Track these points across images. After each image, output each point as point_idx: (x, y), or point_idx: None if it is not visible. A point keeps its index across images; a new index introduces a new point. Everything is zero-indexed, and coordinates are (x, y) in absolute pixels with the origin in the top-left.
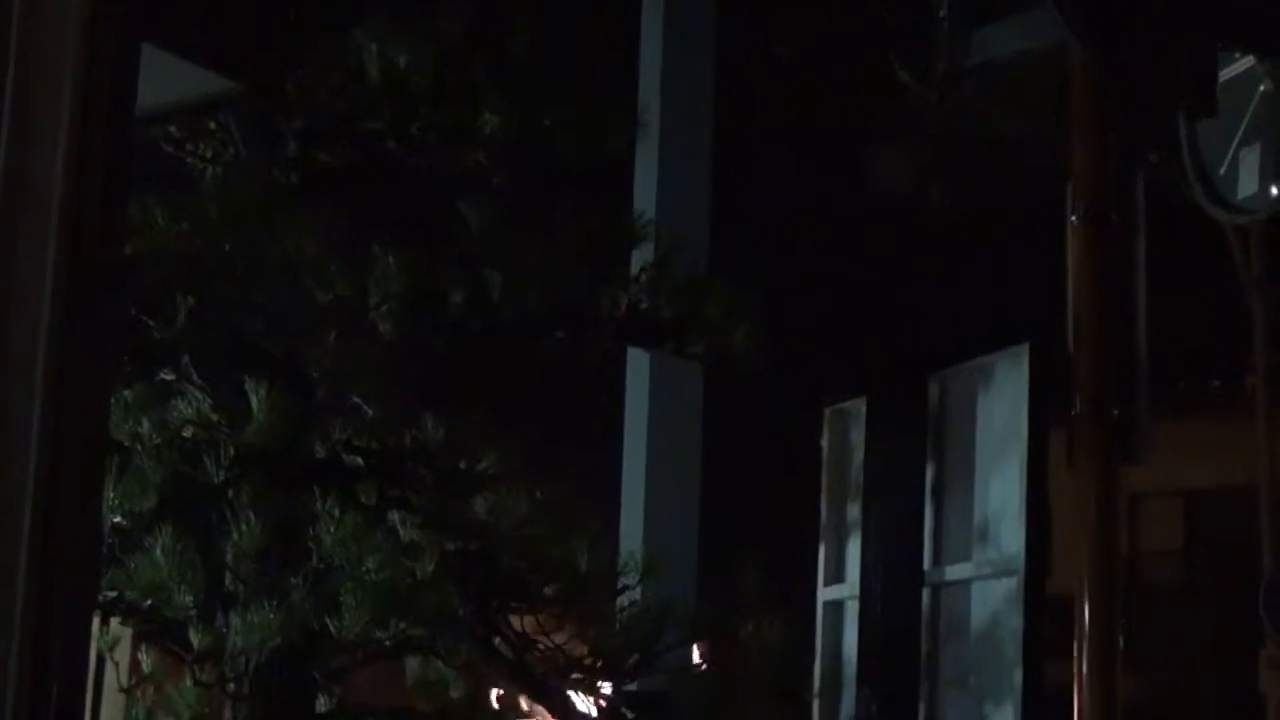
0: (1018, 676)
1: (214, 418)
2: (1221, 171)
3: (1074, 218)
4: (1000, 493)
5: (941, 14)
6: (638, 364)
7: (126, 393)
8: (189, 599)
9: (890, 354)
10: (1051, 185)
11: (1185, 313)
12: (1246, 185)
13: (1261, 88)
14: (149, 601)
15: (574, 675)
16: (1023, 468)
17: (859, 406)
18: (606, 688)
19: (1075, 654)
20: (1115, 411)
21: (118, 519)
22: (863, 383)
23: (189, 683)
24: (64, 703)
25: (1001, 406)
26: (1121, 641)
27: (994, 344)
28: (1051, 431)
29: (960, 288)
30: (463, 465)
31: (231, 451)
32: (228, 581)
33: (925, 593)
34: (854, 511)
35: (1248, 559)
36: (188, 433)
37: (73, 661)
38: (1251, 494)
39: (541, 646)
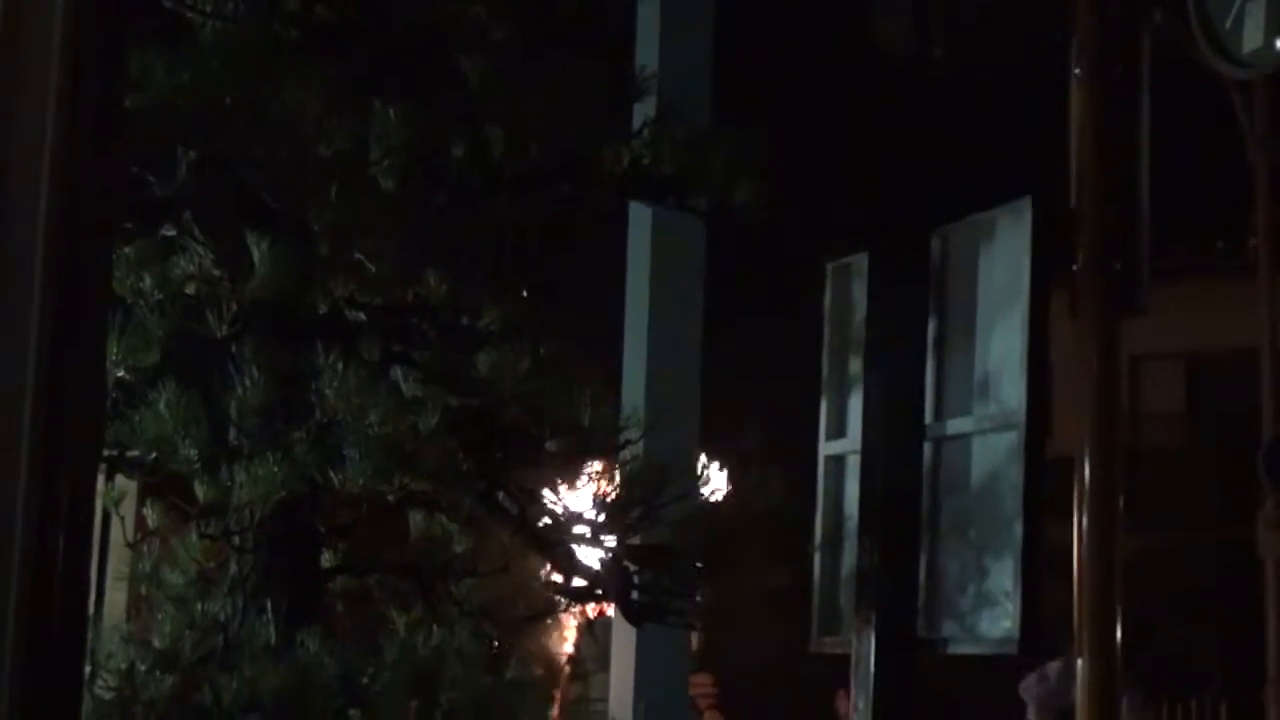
0: (1018, 530)
1: (216, 273)
2: (1227, 25)
3: (1078, 72)
4: (1001, 348)
5: None
6: (640, 219)
7: (128, 249)
8: (193, 453)
9: (892, 209)
10: (1056, 39)
11: (1188, 174)
12: (1252, 39)
13: None
14: (154, 455)
15: (577, 529)
16: (1024, 322)
17: (861, 262)
18: (609, 541)
19: (1076, 513)
20: (1117, 265)
21: (121, 374)
22: (865, 238)
23: (194, 536)
24: (70, 556)
25: (1004, 261)
26: (1121, 502)
27: (997, 199)
28: (1054, 288)
29: (963, 143)
30: (465, 321)
31: (234, 306)
32: (232, 435)
33: (926, 447)
34: (855, 366)
35: (1249, 421)
36: (190, 288)
37: (79, 515)
38: (1254, 356)
39: (545, 500)
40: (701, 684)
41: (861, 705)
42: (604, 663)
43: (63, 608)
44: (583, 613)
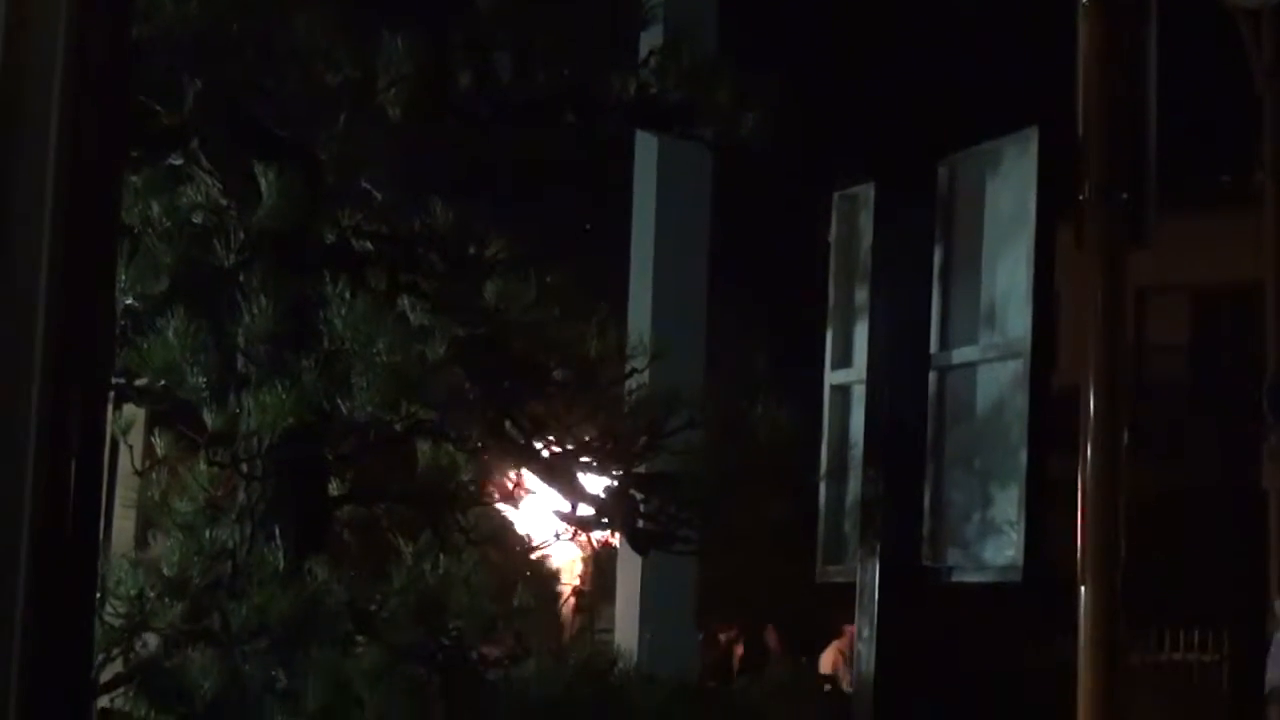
0: (1022, 459)
1: (223, 202)
2: None
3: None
4: (1007, 277)
5: None
6: (646, 149)
7: (136, 177)
8: (201, 380)
9: (899, 139)
10: None
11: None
12: None
13: None
14: (162, 383)
15: (583, 458)
16: (1030, 252)
17: (867, 192)
18: (616, 470)
19: (1081, 446)
20: (1124, 196)
21: (130, 301)
22: (871, 168)
23: (202, 465)
24: (82, 484)
25: (1010, 191)
26: (1126, 435)
27: (1003, 128)
28: (1060, 219)
29: (970, 72)
30: (472, 251)
31: (241, 235)
32: (240, 363)
33: (932, 376)
34: (861, 296)
35: (1254, 354)
36: (198, 217)
37: (90, 443)
38: (1261, 289)
39: (552, 429)
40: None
41: (866, 633)
42: (609, 593)
43: (74, 535)
44: (588, 542)
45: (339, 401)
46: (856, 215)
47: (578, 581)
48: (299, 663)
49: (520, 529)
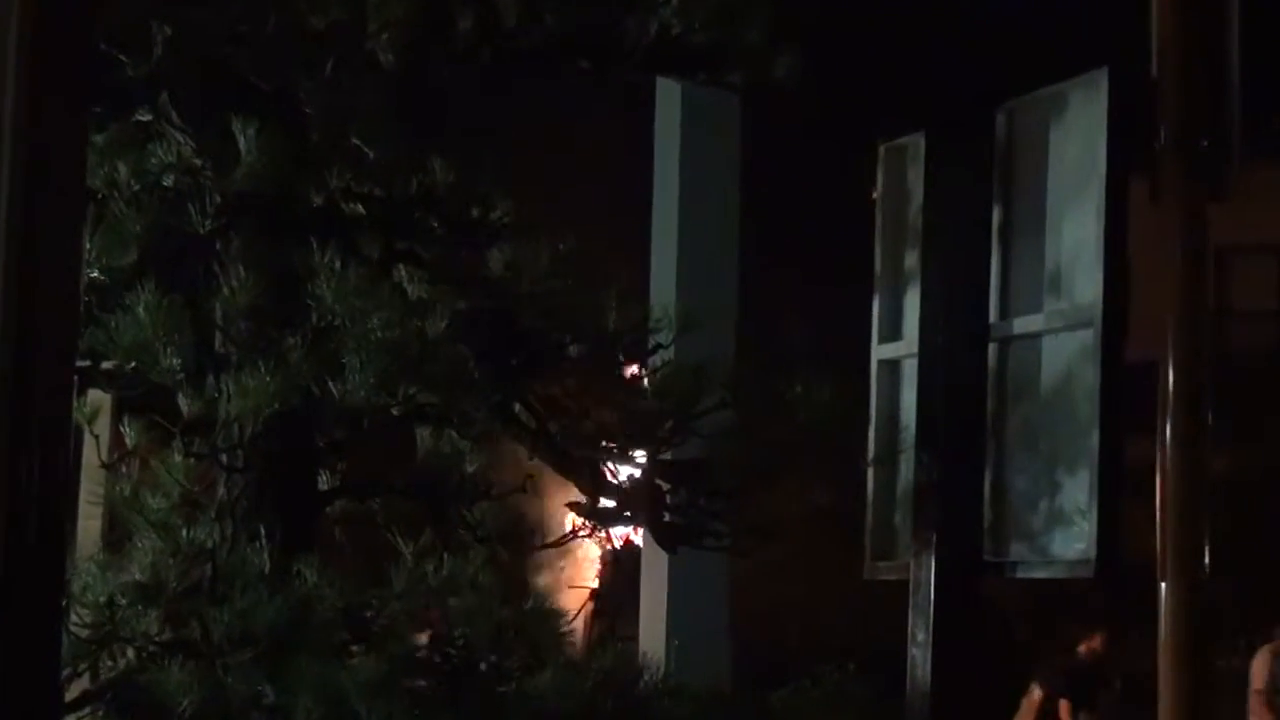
0: (1094, 439)
1: (198, 162)
2: None
3: None
4: (1075, 237)
5: None
6: (668, 98)
7: (99, 136)
8: (176, 362)
9: (952, 83)
10: None
11: None
12: None
13: None
14: (132, 365)
15: (604, 444)
16: (1100, 208)
17: (917, 143)
18: (639, 457)
19: (1158, 424)
20: (1204, 143)
21: (95, 274)
22: (921, 116)
23: (177, 456)
24: (45, 480)
25: (1077, 140)
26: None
27: (1069, 70)
28: (1133, 170)
29: (1032, 6)
30: (475, 214)
31: (218, 199)
32: (218, 342)
33: (991, 348)
34: (911, 260)
35: None
36: (169, 179)
37: (53, 434)
38: None
39: (567, 412)
40: None
41: (921, 636)
42: (633, 596)
43: (37, 537)
44: (609, 539)
45: (329, 384)
46: (905, 169)
47: (597, 583)
48: (288, 676)
49: (533, 524)
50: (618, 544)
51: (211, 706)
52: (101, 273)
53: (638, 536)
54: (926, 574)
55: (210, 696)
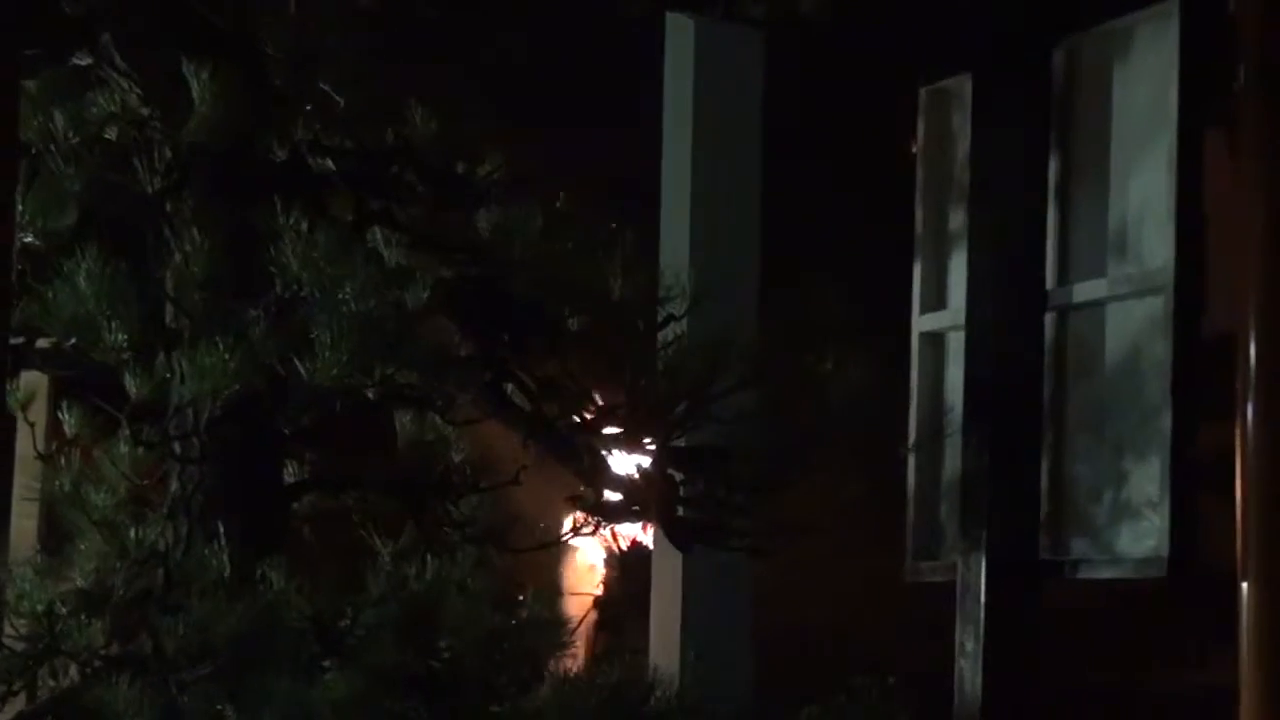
0: (1166, 422)
1: (145, 111)
2: None
3: None
4: (1143, 192)
5: None
6: (679, 35)
7: (32, 82)
8: (122, 338)
9: (1002, 17)
10: None
11: None
12: None
13: None
14: (71, 342)
15: (608, 429)
16: (1172, 159)
17: (963, 85)
18: (649, 444)
19: (1238, 404)
20: None
21: (29, 239)
22: (967, 55)
23: (124, 446)
24: None
25: (1145, 81)
26: None
27: (1136, 1)
28: (1209, 117)
29: None
30: (461, 170)
31: (168, 153)
32: (169, 315)
33: (1048, 318)
34: (958, 219)
35: None
36: (112, 131)
37: None
38: None
39: (566, 394)
40: None
41: (970, 647)
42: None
43: None
44: (614, 539)
45: (296, 362)
46: (949, 116)
47: (602, 589)
48: (251, 694)
49: (529, 521)
50: (624, 544)
51: None
52: (36, 237)
53: (647, 535)
54: (975, 575)
55: (163, 717)
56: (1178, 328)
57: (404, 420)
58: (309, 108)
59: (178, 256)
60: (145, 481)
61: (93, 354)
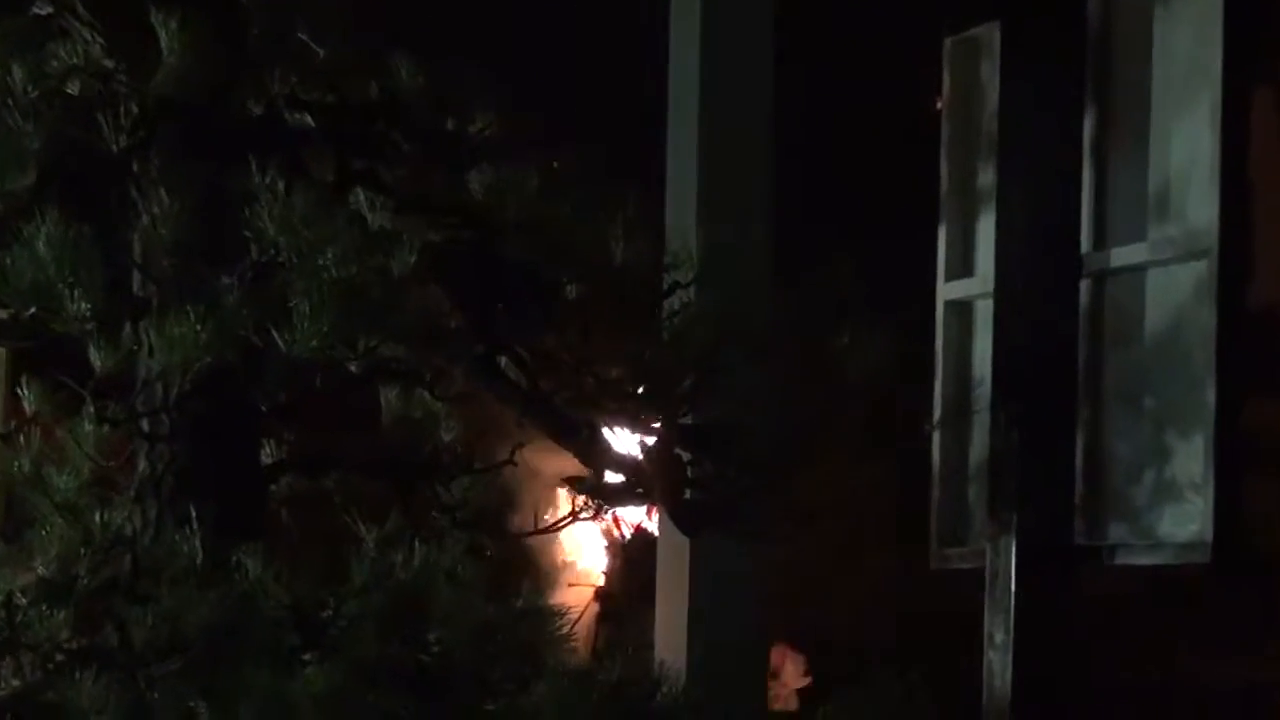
0: (1210, 396)
1: (110, 64)
2: None
3: None
4: (1185, 149)
5: None
6: None
7: None
8: (85, 307)
9: None
10: None
11: None
12: None
13: None
14: (31, 312)
15: (609, 405)
16: (1216, 113)
17: (991, 34)
18: (654, 421)
19: None
20: None
21: None
22: (997, 1)
23: (88, 423)
24: None
25: (1187, 30)
26: None
27: None
28: (1256, 68)
29: None
30: (451, 126)
31: (135, 109)
32: (137, 283)
33: (1084, 285)
34: (986, 178)
35: None
36: (75, 85)
37: None
38: None
39: (565, 367)
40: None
41: (1000, 638)
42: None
43: None
44: (616, 524)
45: (273, 333)
46: (977, 67)
47: (603, 579)
48: (225, 689)
49: (524, 505)
50: (628, 530)
51: None
52: None
53: (652, 521)
54: (1005, 562)
55: (131, 714)
56: (1222, 294)
57: (390, 396)
58: (286, 60)
59: (145, 219)
60: (111, 462)
61: (54, 324)
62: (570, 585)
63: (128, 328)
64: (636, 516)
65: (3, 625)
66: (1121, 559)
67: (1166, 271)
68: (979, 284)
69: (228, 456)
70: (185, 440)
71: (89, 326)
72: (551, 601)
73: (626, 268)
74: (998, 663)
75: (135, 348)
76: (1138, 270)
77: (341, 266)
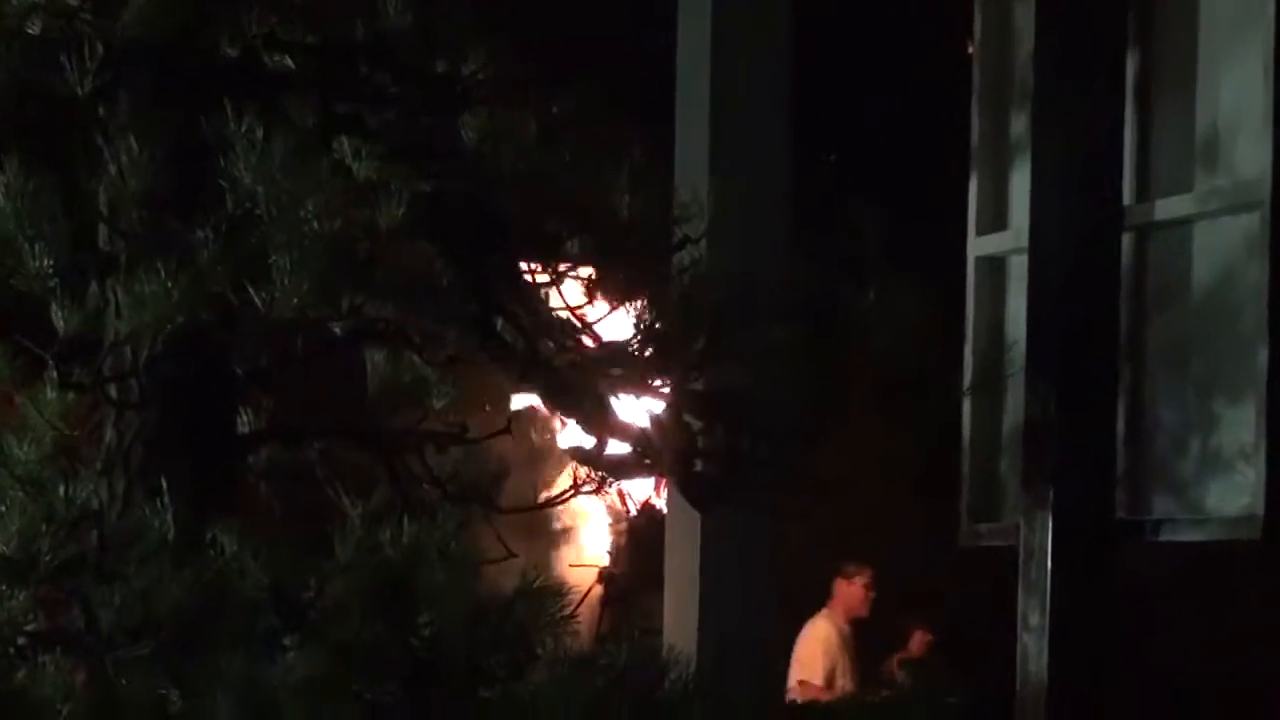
0: (1261, 359)
1: (73, 1)
2: None
3: None
4: (1235, 95)
5: None
6: None
7: None
8: (48, 263)
9: None
10: None
11: None
12: None
13: None
14: None
15: (613, 370)
16: (1269, 54)
17: None
18: (662, 386)
19: None
20: None
21: None
22: None
23: (51, 389)
24: None
25: None
26: None
27: None
28: None
29: None
30: (441, 68)
31: (101, 49)
32: (103, 237)
33: (1125, 239)
34: (1020, 127)
35: None
36: (34, 24)
37: None
38: None
39: (565, 329)
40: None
41: (1035, 620)
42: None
43: None
44: (622, 499)
45: (251, 291)
46: (1011, 9)
47: (608, 559)
48: (199, 674)
49: (522, 476)
50: (634, 506)
51: (99, 713)
52: None
53: (660, 496)
54: (1041, 539)
55: (97, 701)
56: (1275, 248)
57: (376, 360)
58: None
59: (113, 169)
60: (76, 431)
61: (14, 282)
62: (572, 566)
63: (94, 286)
64: (644, 491)
65: None
66: (1166, 535)
67: (1215, 225)
68: (1012, 238)
69: (202, 425)
70: (156, 408)
71: (52, 284)
72: (551, 581)
73: (632, 221)
74: (1033, 647)
75: (102, 307)
76: (1184, 223)
77: (324, 219)
